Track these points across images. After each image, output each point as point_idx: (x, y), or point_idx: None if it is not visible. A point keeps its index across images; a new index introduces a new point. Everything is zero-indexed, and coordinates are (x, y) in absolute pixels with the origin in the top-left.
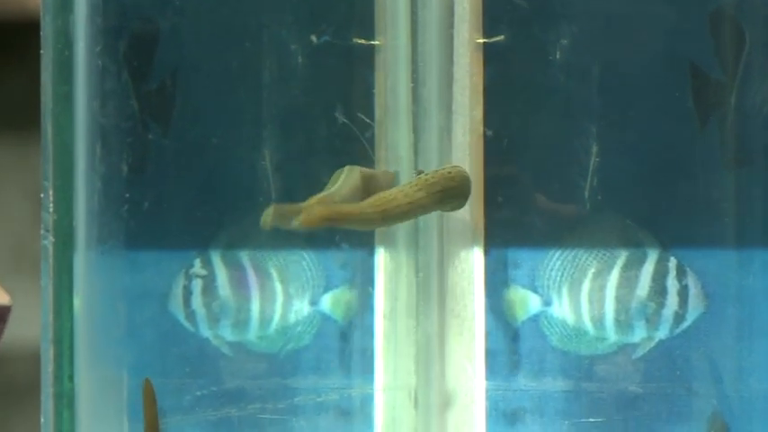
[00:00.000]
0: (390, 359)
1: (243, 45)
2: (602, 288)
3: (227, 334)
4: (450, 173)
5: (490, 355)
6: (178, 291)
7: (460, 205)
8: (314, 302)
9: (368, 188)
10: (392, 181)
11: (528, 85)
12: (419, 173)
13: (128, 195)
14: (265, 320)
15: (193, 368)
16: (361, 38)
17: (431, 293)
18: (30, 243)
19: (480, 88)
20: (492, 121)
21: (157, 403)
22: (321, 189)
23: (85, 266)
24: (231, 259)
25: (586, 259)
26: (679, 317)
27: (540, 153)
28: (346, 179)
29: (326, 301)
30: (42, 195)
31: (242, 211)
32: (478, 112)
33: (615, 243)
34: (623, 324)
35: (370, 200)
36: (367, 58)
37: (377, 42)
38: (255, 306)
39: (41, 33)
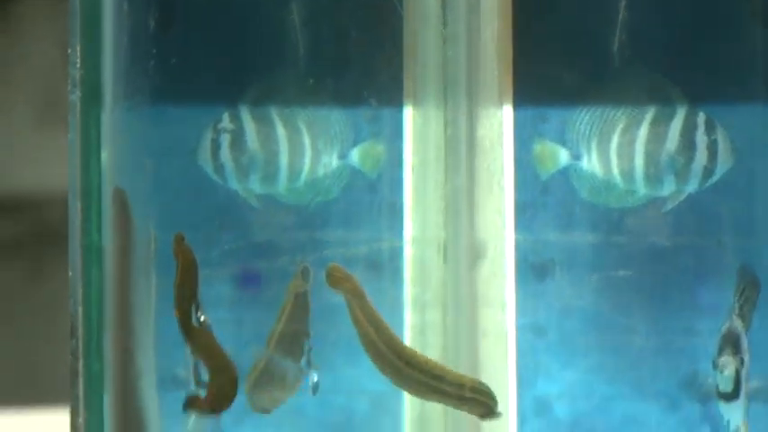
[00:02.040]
0: (419, 212)
1: None
2: (632, 143)
3: (256, 187)
4: None
5: (519, 207)
6: (206, 144)
7: None
8: (342, 156)
9: None
10: None
11: None
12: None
13: (155, 51)
14: (294, 173)
15: (222, 221)
16: None
17: (459, 147)
18: (63, 92)
19: None
20: None
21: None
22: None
23: (112, 122)
24: (259, 114)
25: (615, 114)
26: (708, 171)
27: (569, 7)
28: None
29: (355, 155)
30: (69, 51)
31: (270, 66)
32: None
33: (644, 98)
34: (652, 177)
35: None
36: None
37: None
38: (284, 159)
39: None
